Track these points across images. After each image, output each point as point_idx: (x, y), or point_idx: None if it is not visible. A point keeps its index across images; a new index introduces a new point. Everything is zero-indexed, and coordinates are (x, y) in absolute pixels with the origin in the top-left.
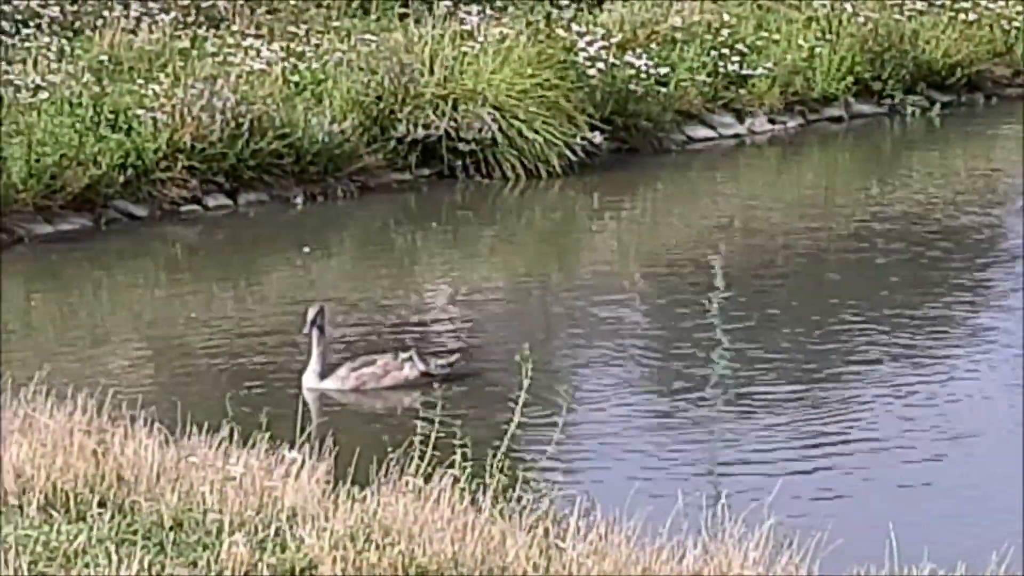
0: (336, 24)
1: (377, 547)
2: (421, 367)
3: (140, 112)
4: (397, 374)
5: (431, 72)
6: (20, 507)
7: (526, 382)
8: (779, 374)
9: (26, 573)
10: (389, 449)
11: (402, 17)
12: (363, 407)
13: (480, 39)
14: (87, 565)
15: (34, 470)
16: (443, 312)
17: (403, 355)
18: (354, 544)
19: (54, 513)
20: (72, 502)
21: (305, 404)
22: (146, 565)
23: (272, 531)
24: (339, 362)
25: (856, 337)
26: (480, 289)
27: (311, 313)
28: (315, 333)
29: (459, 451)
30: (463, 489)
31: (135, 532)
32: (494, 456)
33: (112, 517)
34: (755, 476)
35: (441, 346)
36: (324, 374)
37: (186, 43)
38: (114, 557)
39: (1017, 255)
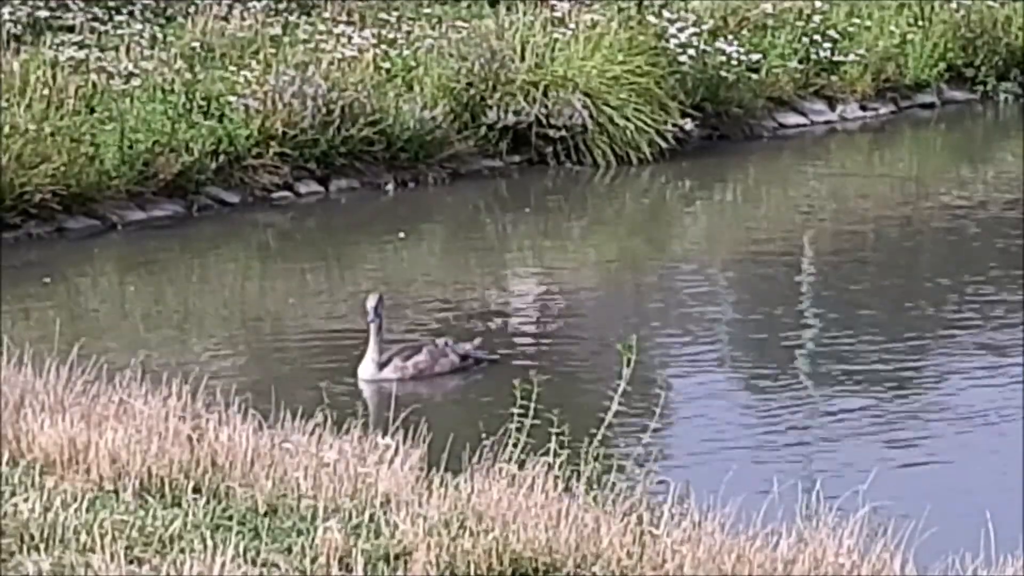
0: (427, 11)
1: (471, 534)
2: (460, 351)
3: (232, 99)
4: (444, 360)
5: (522, 59)
6: (116, 492)
7: (627, 372)
8: (873, 360)
9: (122, 558)
10: (483, 436)
11: (493, 3)
12: (448, 395)
13: (571, 25)
14: (182, 550)
15: (129, 455)
16: (534, 298)
17: (439, 341)
18: (448, 530)
19: (149, 498)
20: (167, 487)
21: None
22: (241, 550)
23: (366, 517)
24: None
25: (949, 321)
26: (571, 275)
27: (372, 301)
28: (374, 322)
29: (554, 438)
30: (557, 476)
31: (230, 518)
32: (589, 443)
33: (207, 502)
34: (850, 463)
35: (529, 332)
36: (383, 364)
37: (278, 30)
38: (209, 542)
39: None
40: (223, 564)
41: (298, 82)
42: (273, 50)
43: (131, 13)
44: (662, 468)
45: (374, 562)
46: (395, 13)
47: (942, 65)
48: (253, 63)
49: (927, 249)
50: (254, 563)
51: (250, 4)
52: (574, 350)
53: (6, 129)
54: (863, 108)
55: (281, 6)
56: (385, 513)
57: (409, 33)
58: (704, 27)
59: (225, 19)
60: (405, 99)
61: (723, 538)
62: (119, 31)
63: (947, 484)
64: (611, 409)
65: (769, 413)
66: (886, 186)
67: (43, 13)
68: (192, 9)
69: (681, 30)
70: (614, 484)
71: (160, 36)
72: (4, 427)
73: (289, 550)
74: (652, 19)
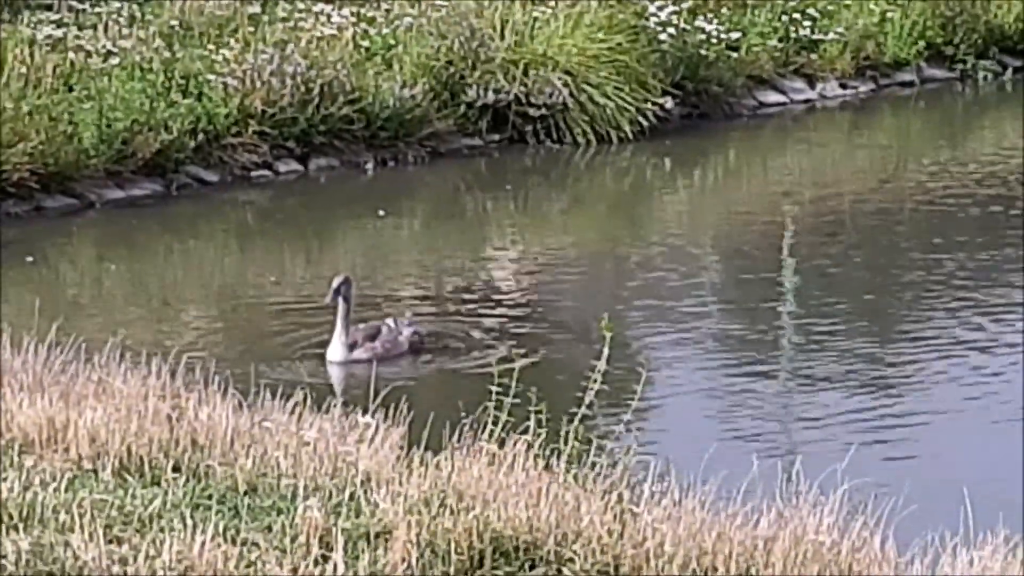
0: None
1: (452, 512)
2: (411, 329)
3: (211, 77)
4: (402, 339)
5: (502, 37)
6: (95, 471)
7: (606, 351)
8: (853, 338)
9: (101, 537)
10: (463, 415)
11: None
12: (427, 374)
13: (551, 4)
14: (162, 529)
15: (109, 435)
16: (513, 277)
17: (389, 321)
18: (428, 509)
19: (129, 478)
20: (147, 466)
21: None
22: (220, 529)
23: (346, 496)
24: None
25: (928, 301)
26: (551, 254)
27: (336, 282)
28: (341, 304)
29: (533, 417)
30: (537, 455)
31: (209, 497)
32: (569, 422)
33: (187, 481)
34: (829, 441)
35: (509, 311)
36: (351, 346)
37: (257, 8)
38: (189, 521)
39: None
40: (203, 543)
41: (277, 61)
42: (252, 28)
43: None
44: (642, 447)
45: (354, 541)
46: None
47: (921, 43)
48: (232, 41)
49: (907, 225)
50: (234, 542)
51: None
52: (554, 328)
53: None
54: (843, 86)
55: None
56: (365, 492)
57: (388, 11)
58: (683, 5)
59: None
60: (384, 77)
61: (703, 516)
62: (97, 9)
63: (926, 462)
64: (591, 387)
65: (750, 392)
66: (866, 164)
67: None
68: None
69: (661, 8)
70: (594, 463)
71: (138, 14)
72: None
73: (269, 529)
74: None
